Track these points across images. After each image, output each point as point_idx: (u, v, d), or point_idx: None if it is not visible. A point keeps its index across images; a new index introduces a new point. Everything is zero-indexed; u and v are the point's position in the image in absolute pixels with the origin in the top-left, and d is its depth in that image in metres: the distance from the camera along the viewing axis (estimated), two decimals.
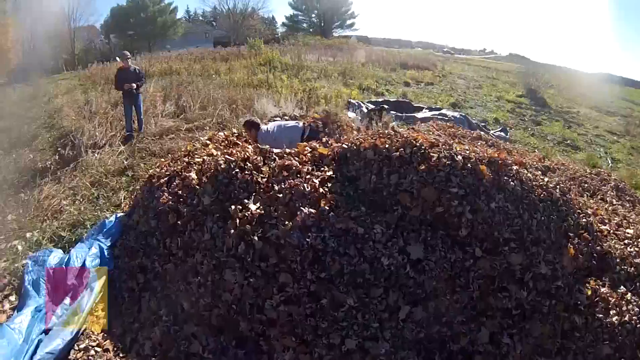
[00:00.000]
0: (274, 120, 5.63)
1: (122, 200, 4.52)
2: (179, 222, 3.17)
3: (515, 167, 3.24)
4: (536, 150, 8.74)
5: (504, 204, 2.89)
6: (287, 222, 2.79)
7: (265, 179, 3.19)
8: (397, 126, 7.13)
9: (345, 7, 41.23)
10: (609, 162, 9.43)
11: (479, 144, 5.15)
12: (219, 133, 4.41)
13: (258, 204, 2.96)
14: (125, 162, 5.61)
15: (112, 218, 3.73)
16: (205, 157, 3.59)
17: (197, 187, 3.25)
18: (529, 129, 11.17)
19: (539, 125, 11.78)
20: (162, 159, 4.61)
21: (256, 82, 12.18)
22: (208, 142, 4.15)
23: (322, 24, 40.60)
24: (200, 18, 43.59)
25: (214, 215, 3.05)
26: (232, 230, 2.84)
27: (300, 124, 4.53)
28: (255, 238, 2.75)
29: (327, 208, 2.86)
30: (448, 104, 12.29)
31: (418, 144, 3.11)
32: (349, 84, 13.44)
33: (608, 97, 21.80)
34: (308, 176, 3.18)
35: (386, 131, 3.49)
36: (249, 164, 3.31)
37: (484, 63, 31.89)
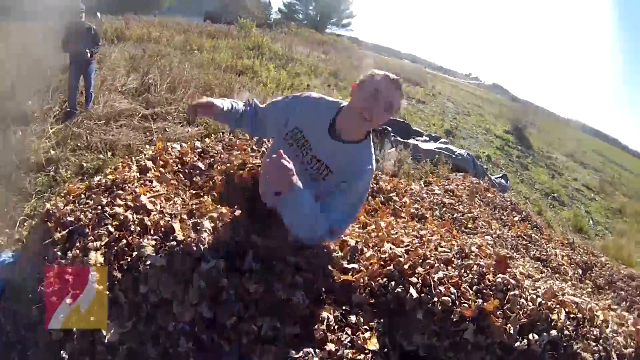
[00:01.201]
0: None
1: (23, 225, 2.93)
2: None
3: None
4: (528, 201, 8.48)
5: None
6: None
7: None
8: (400, 155, 6.13)
9: (345, 5, 40.17)
10: (591, 224, 9.53)
11: (517, 219, 4.21)
12: (173, 145, 2.51)
13: None
14: (51, 153, 4.17)
15: None
16: (129, 214, 1.66)
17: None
18: (519, 173, 11.16)
19: (526, 170, 11.87)
20: (80, 176, 3.18)
21: (240, 67, 10.92)
22: (149, 162, 2.18)
23: (318, 18, 39.31)
24: None
25: None
26: None
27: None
28: None
29: None
30: (442, 130, 11.80)
31: (572, 329, 1.47)
32: (341, 87, 12.43)
33: (582, 147, 23.61)
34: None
35: (501, 279, 1.61)
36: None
37: (469, 89, 32.59)
